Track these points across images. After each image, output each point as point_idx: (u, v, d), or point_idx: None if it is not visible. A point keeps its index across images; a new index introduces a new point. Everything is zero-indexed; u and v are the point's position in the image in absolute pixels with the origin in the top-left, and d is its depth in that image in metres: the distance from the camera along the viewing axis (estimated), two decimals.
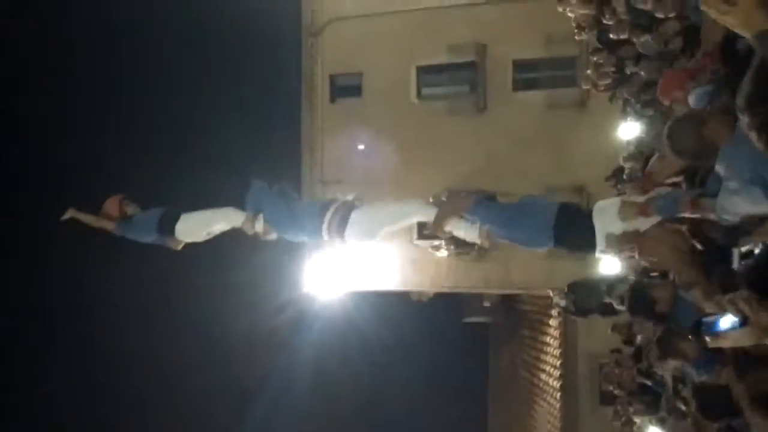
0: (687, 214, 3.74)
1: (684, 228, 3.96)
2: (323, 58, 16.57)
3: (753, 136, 2.27)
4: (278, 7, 16.95)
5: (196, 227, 5.27)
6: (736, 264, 3.73)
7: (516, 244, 4.51)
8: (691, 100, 4.35)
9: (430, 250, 15.50)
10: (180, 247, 5.48)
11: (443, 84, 15.90)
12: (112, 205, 5.34)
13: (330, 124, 16.37)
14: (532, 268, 14.71)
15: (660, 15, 6.25)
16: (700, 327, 3.01)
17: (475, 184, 15.12)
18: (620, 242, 4.04)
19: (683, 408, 5.30)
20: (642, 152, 8.28)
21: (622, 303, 8.03)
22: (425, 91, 16.02)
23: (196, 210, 5.35)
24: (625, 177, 9.25)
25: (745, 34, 2.17)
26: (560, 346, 14.94)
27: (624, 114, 9.61)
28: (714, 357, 4.03)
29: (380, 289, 16.44)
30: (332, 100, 16.65)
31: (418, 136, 15.44)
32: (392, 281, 16.10)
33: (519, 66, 15.05)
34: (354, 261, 15.65)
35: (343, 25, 16.34)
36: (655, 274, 5.77)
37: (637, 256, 4.18)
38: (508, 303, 18.17)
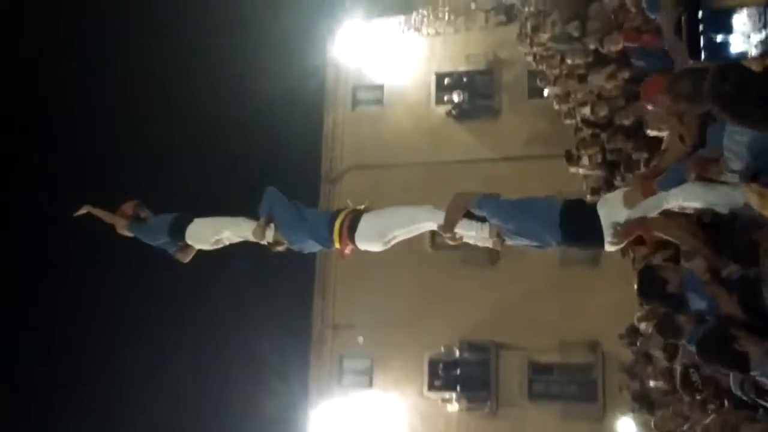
0: (694, 173, 3.68)
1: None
2: (340, 204, 17.00)
3: None
4: (299, 153, 17.72)
5: (206, 231, 5.28)
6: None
7: (524, 241, 4.35)
8: None
9: (440, 402, 14.96)
10: (187, 258, 5.50)
11: None
12: (127, 207, 5.55)
13: (344, 267, 16.48)
14: (547, 429, 14.08)
15: None
16: None
17: (486, 336, 14.92)
18: (627, 229, 3.99)
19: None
20: (656, 312, 8.17)
21: None
22: (440, 240, 16.23)
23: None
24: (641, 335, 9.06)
25: None
26: None
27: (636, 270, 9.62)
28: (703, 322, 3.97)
29: None
30: None
31: (432, 284, 15.46)
32: None
33: None
34: (360, 412, 15.11)
35: (360, 174, 16.95)
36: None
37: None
38: None
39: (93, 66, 18.76)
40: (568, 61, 7.73)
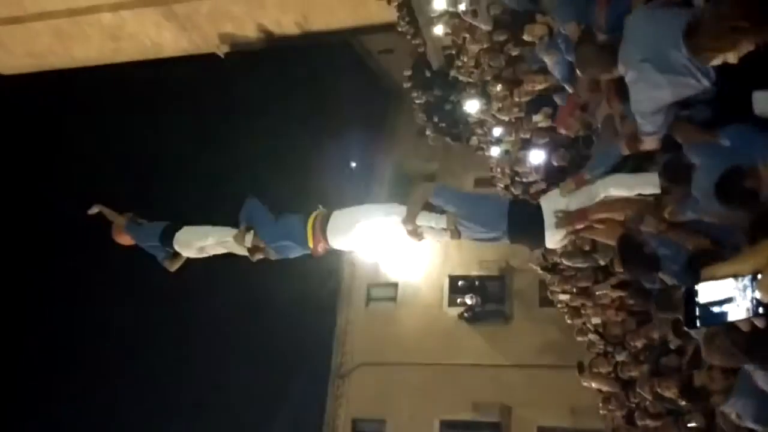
0: (629, 148, 4.09)
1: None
2: (348, 401, 16.67)
3: None
4: (311, 346, 17.67)
5: (191, 238, 5.66)
6: None
7: (476, 230, 4.66)
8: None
9: None
10: (174, 267, 5.91)
11: None
12: (126, 215, 6.15)
13: None
14: None
15: (684, 403, 6.37)
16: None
17: None
18: (568, 217, 4.40)
19: None
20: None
21: None
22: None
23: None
24: None
25: None
26: None
27: None
28: None
29: None
30: None
31: None
32: None
33: None
34: None
35: (371, 371, 16.78)
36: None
37: (584, 227, 4.46)
38: None
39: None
40: (581, 285, 8.03)
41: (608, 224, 4.48)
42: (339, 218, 5.07)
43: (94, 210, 6.27)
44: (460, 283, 17.17)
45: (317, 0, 16.49)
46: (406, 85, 16.77)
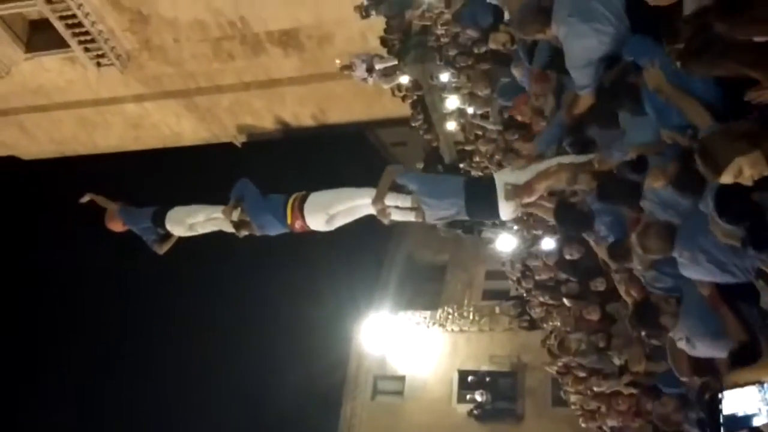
0: (568, 116, 4.55)
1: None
2: None
3: None
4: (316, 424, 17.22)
5: (182, 215, 5.97)
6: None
7: (437, 205, 5.07)
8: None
9: None
10: (164, 250, 6.17)
11: None
12: (118, 203, 6.34)
13: None
14: None
15: None
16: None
17: None
18: (517, 190, 4.84)
19: None
20: None
21: None
22: None
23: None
24: None
25: None
26: None
27: None
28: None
29: None
30: None
31: None
32: None
33: None
34: None
35: None
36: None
37: (532, 198, 4.86)
38: None
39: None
40: (595, 389, 7.86)
41: (548, 200, 4.98)
42: (316, 198, 5.55)
43: (85, 198, 6.49)
44: (469, 378, 16.71)
45: (334, 95, 17.08)
46: None
